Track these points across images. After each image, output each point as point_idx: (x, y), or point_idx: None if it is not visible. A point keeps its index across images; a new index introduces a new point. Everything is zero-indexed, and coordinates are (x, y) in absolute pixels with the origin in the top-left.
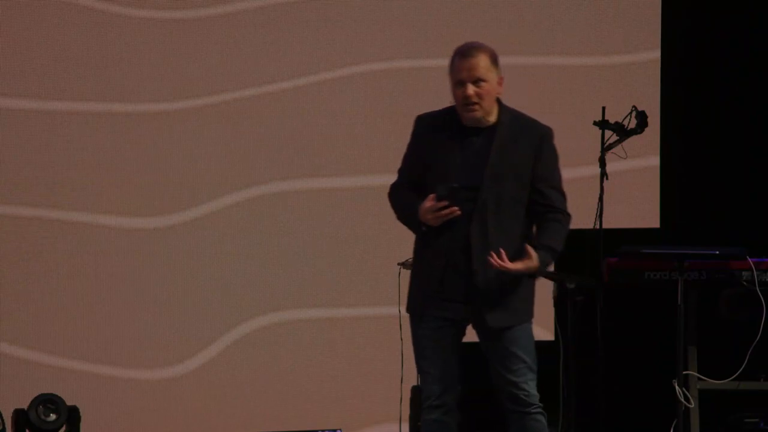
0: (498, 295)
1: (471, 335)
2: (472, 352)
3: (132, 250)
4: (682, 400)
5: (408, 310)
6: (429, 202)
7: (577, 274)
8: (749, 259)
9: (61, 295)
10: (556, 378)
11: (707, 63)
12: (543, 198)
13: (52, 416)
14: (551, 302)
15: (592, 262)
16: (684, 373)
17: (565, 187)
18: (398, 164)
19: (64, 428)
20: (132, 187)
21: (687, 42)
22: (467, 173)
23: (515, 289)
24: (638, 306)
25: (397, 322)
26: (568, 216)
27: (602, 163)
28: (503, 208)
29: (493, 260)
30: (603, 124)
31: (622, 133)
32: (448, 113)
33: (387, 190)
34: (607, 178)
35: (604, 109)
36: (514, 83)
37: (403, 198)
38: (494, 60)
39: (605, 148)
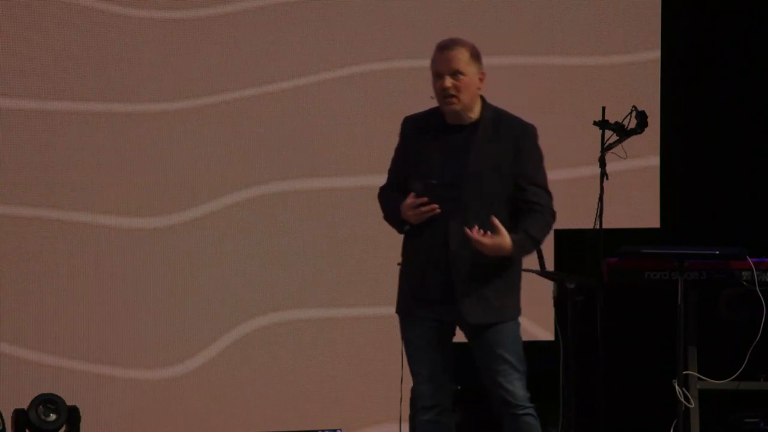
0: (477, 290)
1: None
2: (471, 351)
3: (132, 250)
4: (682, 400)
5: (397, 310)
6: (409, 200)
7: (577, 274)
8: (749, 259)
9: (61, 295)
10: (556, 378)
11: (707, 63)
12: (525, 195)
13: (52, 416)
14: (551, 302)
15: (592, 262)
16: (684, 373)
17: (565, 187)
18: None
19: (64, 428)
20: (132, 187)
21: (687, 42)
22: (447, 170)
23: (495, 284)
24: (638, 306)
25: (397, 322)
26: (551, 212)
27: (602, 163)
28: (484, 205)
29: (468, 232)
30: (603, 124)
31: (622, 133)
32: (434, 113)
33: None
34: (607, 178)
35: (604, 109)
36: (514, 83)
37: (389, 198)
38: (475, 55)
39: (605, 148)
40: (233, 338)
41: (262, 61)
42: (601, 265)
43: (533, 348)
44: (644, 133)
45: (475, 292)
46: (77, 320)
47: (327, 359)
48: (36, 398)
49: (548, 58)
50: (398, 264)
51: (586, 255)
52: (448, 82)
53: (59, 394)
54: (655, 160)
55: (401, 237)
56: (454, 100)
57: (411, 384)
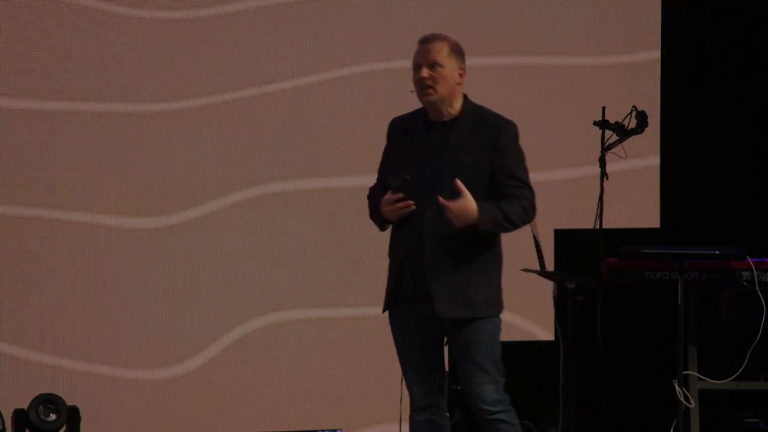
0: (451, 284)
1: None
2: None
3: (132, 250)
4: (682, 400)
5: (383, 310)
6: (387, 197)
7: (577, 274)
8: (749, 259)
9: (61, 295)
10: (556, 378)
11: (707, 63)
12: (503, 188)
13: (52, 416)
14: (551, 302)
15: (592, 262)
16: (684, 373)
17: (565, 187)
18: None
19: (64, 428)
20: (132, 187)
21: (687, 42)
22: (426, 165)
23: (471, 278)
24: (638, 306)
25: None
26: (530, 203)
27: (602, 163)
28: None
29: (440, 199)
30: (603, 124)
31: (622, 133)
32: (419, 112)
33: None
34: (607, 178)
35: (604, 109)
36: (514, 83)
37: (374, 198)
38: (455, 50)
39: (605, 148)
40: (233, 338)
41: (262, 61)
42: (601, 265)
43: (533, 348)
44: (644, 133)
45: (449, 285)
46: (77, 320)
47: (327, 359)
48: (36, 398)
49: (548, 58)
50: None
51: (586, 255)
52: (425, 72)
53: (59, 394)
54: (655, 160)
55: None
56: (431, 91)
57: None
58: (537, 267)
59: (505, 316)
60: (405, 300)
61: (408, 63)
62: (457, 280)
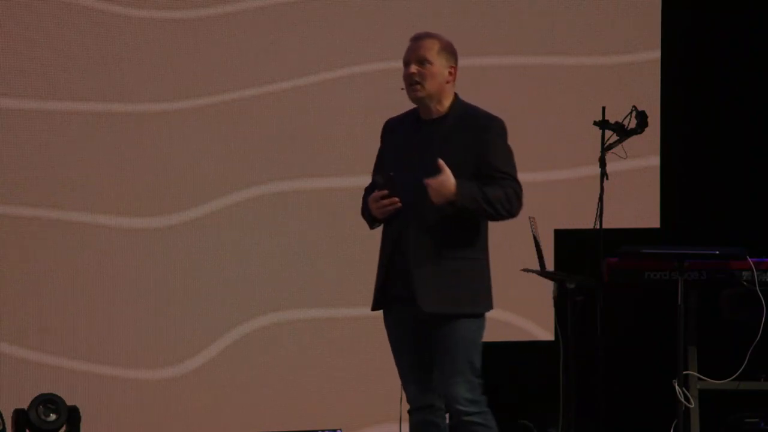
0: (434, 278)
1: None
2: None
3: (132, 250)
4: (682, 400)
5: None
6: (374, 194)
7: (577, 274)
8: (749, 259)
9: (61, 295)
10: (556, 378)
11: (707, 63)
12: (489, 180)
13: (52, 416)
14: (551, 302)
15: (592, 262)
16: (684, 373)
17: (565, 187)
18: None
19: (64, 428)
20: (132, 187)
21: (687, 42)
22: (412, 162)
23: (454, 274)
24: (638, 306)
25: None
26: (516, 194)
27: (602, 163)
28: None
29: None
30: (603, 124)
31: (622, 133)
32: (412, 112)
33: None
34: (607, 178)
35: (604, 109)
36: (514, 83)
37: (365, 197)
38: (446, 48)
39: (605, 148)
40: (233, 338)
41: (262, 61)
42: (601, 265)
43: (533, 348)
44: (644, 133)
45: (431, 281)
46: (77, 320)
47: (327, 359)
48: (36, 398)
49: (548, 58)
50: None
51: (586, 255)
52: (414, 68)
53: (59, 394)
54: (655, 160)
55: None
56: (418, 87)
57: None
58: (537, 267)
59: (505, 316)
60: (396, 300)
61: None
62: (440, 276)
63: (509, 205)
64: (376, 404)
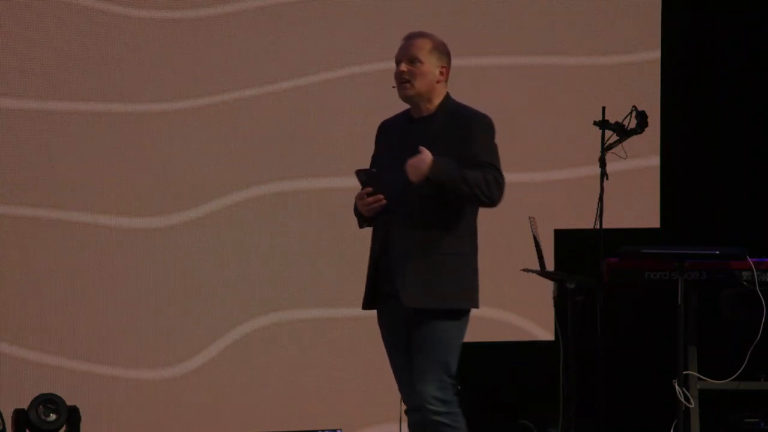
0: (416, 273)
1: (470, 335)
2: (471, 351)
3: (132, 250)
4: (682, 400)
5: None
6: (359, 192)
7: (577, 274)
8: (749, 259)
9: (61, 295)
10: (556, 378)
11: (707, 63)
12: (472, 168)
13: (52, 416)
14: (551, 302)
15: (592, 262)
16: (684, 373)
17: (565, 187)
18: None
19: (64, 428)
20: (132, 187)
21: (687, 42)
22: (400, 160)
23: (438, 270)
24: (638, 306)
25: None
26: (497, 183)
27: (602, 163)
28: (430, 194)
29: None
30: (603, 124)
31: (622, 133)
32: (405, 113)
33: None
34: (607, 178)
35: (604, 109)
36: (514, 83)
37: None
38: (438, 48)
39: (605, 148)
40: (233, 338)
41: (262, 61)
42: (601, 265)
43: (533, 348)
44: (644, 133)
45: (415, 274)
46: (77, 320)
47: (327, 359)
48: (36, 398)
49: (548, 58)
50: None
51: (586, 255)
52: (404, 67)
53: (59, 394)
54: (655, 160)
55: None
56: (407, 85)
57: None
58: (537, 267)
59: (505, 316)
60: (387, 297)
61: None
62: (424, 271)
63: (488, 190)
64: (376, 404)
